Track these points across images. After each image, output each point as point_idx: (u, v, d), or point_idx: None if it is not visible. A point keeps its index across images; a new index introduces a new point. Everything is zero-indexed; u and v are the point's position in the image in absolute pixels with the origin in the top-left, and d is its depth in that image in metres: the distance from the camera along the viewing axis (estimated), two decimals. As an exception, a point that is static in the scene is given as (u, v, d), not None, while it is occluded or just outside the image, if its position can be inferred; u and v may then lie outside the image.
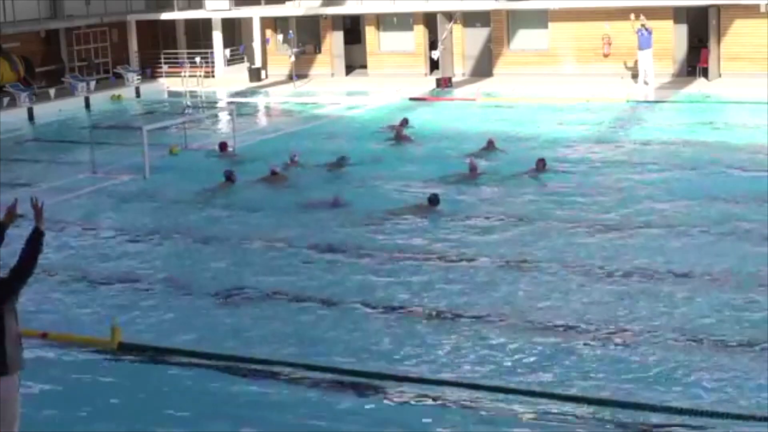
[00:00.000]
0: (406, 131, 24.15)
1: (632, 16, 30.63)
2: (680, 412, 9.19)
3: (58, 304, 12.99)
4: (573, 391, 9.81)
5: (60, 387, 10.44)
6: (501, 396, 9.81)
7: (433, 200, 17.01)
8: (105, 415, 9.75)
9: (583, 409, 9.45)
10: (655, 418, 9.19)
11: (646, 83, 30.55)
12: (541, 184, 18.72)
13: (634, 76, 31.52)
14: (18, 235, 8.45)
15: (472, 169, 19.47)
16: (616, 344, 11.02)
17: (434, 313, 12.22)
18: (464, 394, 9.88)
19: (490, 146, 21.78)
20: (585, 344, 11.02)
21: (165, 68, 37.11)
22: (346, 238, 15.58)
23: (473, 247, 14.81)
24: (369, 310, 12.38)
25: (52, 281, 13.80)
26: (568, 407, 9.49)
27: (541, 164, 19.48)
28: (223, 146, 22.91)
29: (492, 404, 9.69)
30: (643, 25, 30.36)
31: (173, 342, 11.45)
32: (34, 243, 7.85)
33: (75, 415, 9.77)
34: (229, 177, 19.26)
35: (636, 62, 31.28)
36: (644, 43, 30.35)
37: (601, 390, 9.85)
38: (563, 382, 10.09)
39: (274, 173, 19.47)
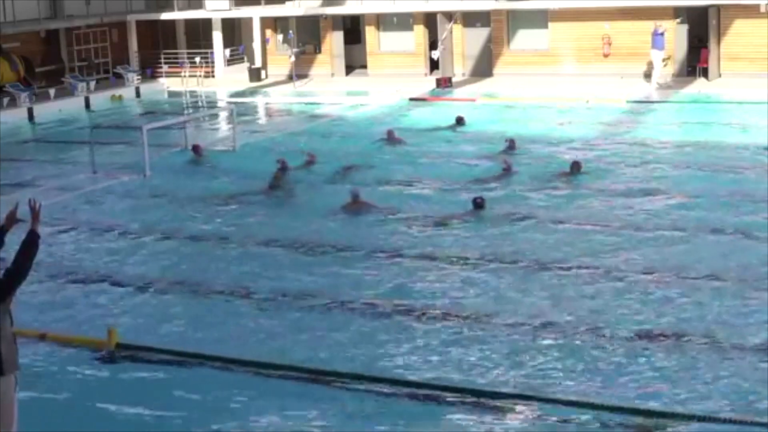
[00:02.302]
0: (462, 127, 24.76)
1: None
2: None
3: (56, 305, 12.96)
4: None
5: (58, 387, 10.42)
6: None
7: (479, 203, 16.57)
8: (103, 416, 9.73)
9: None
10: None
11: (658, 84, 30.57)
12: (576, 185, 18.58)
13: (647, 76, 31.37)
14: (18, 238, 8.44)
15: (507, 168, 19.34)
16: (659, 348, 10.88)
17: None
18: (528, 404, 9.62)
19: (511, 146, 21.69)
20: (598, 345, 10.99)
21: (165, 68, 37.13)
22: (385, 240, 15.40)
23: (524, 251, 14.58)
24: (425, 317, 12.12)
25: (51, 281, 13.78)
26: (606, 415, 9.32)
27: (576, 166, 19.24)
28: (196, 149, 22.74)
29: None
30: (659, 26, 30.51)
31: (171, 343, 11.41)
32: (30, 245, 7.85)
33: (73, 416, 9.75)
34: (277, 180, 18.95)
35: (649, 63, 31.24)
36: (659, 43, 30.41)
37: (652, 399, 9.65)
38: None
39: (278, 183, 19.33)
